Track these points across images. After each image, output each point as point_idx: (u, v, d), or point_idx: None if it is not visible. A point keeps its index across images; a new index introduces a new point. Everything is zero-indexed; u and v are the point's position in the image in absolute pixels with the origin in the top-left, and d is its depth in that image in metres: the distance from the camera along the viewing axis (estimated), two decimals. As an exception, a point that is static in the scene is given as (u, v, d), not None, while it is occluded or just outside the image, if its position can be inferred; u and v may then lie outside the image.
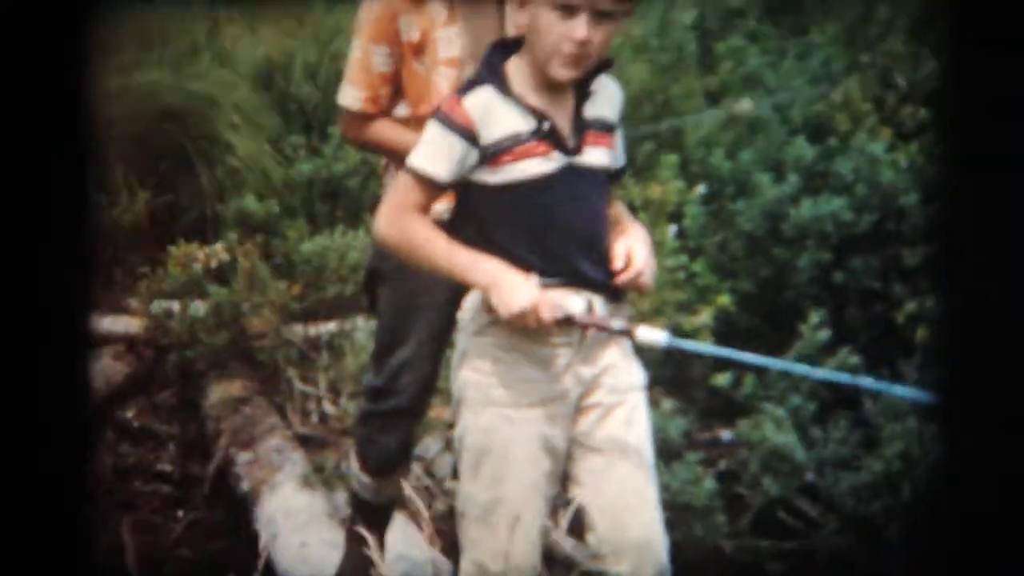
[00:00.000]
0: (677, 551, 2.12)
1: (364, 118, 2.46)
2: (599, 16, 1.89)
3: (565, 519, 2.07)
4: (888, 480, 3.22)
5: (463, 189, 2.00)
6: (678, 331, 3.66)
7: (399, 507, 2.87)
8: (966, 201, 1.50)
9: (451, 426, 2.20)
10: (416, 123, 2.25)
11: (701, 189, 4.16)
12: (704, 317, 3.80)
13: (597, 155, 2.03)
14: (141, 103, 4.73)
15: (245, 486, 3.43)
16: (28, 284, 1.46)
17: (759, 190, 4.01)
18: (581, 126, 2.01)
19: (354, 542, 2.72)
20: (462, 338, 2.08)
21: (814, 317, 3.61)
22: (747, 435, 3.44)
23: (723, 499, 3.29)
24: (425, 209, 1.98)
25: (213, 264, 4.08)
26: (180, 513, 3.52)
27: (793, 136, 4.21)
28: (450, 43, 2.39)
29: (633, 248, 2.05)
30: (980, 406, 1.50)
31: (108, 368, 3.97)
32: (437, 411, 3.32)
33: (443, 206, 2.05)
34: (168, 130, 4.76)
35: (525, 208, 1.97)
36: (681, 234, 4.04)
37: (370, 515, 2.74)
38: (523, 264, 1.95)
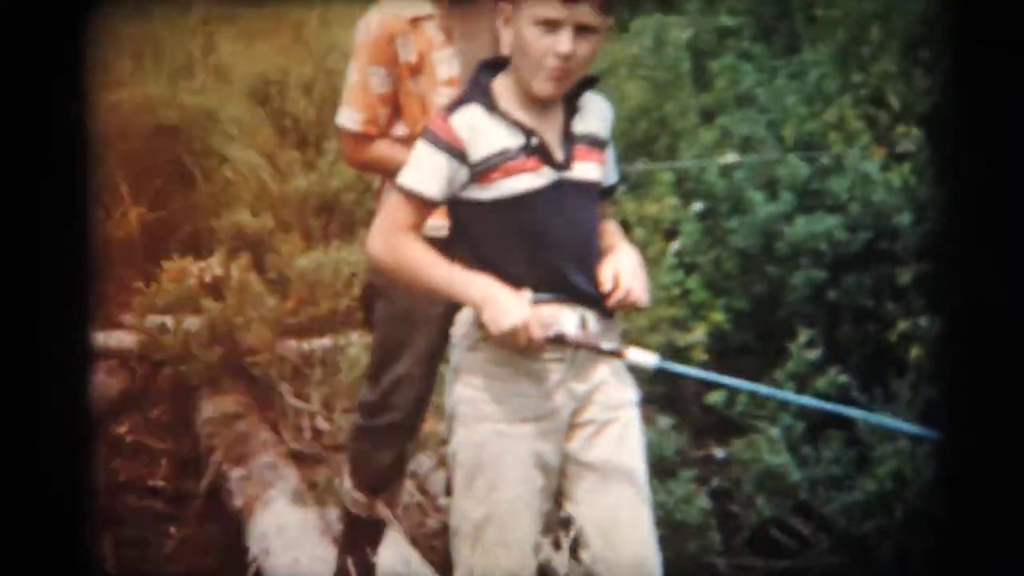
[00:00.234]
0: (670, 569, 2.11)
1: (364, 139, 2.47)
2: (582, 30, 1.91)
3: (567, 541, 2.06)
4: (881, 500, 3.23)
5: (454, 206, 2.00)
6: (672, 347, 3.67)
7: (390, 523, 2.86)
8: (960, 219, 1.51)
9: (444, 442, 2.19)
10: (415, 143, 2.26)
11: (697, 207, 4.17)
12: (698, 334, 3.81)
13: (587, 170, 2.03)
14: (136, 117, 4.74)
15: (238, 502, 3.41)
16: (28, 297, 1.45)
17: (753, 208, 4.03)
18: (570, 141, 2.01)
19: (346, 558, 2.72)
20: (455, 353, 2.08)
21: (803, 336, 3.62)
22: (741, 455, 3.45)
23: (717, 517, 3.29)
24: (417, 227, 1.98)
25: (207, 279, 4.08)
26: (172, 529, 3.50)
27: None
28: (448, 64, 2.40)
29: (619, 268, 2.03)
30: (976, 427, 1.50)
31: (101, 383, 3.96)
32: (431, 425, 3.31)
33: (442, 222, 2.05)
34: (163, 145, 4.77)
35: (516, 223, 1.97)
36: (678, 251, 4.05)
37: (362, 531, 2.74)
38: (515, 280, 1.95)
